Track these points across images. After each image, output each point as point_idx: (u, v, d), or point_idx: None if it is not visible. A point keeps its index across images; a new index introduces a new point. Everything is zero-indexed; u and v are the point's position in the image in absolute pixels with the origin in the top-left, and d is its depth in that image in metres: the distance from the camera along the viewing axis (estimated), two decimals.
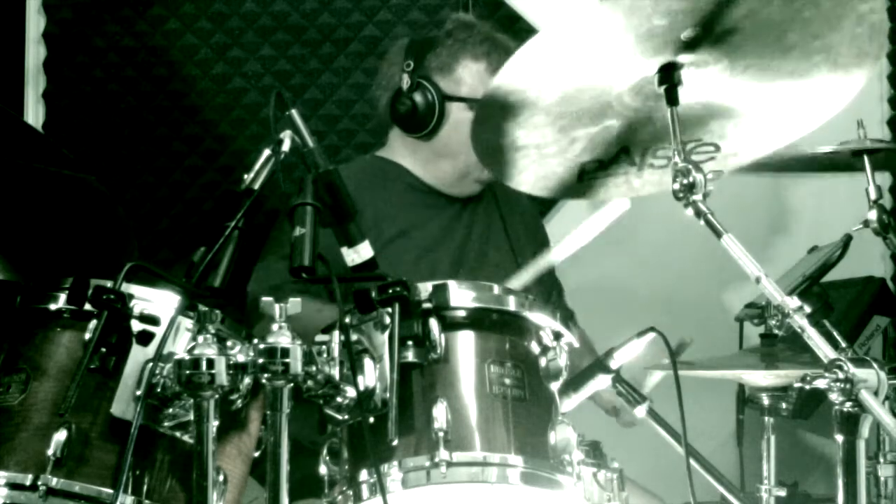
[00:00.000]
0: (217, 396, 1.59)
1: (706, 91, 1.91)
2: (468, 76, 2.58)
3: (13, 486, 1.61)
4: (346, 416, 1.72)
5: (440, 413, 1.65)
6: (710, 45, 1.83)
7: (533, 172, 2.04)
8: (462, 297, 1.74)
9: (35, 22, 3.23)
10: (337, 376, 1.66)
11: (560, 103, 1.90)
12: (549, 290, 2.81)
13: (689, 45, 1.82)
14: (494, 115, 1.93)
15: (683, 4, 1.74)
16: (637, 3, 1.73)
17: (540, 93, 1.88)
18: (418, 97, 2.58)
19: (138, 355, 1.66)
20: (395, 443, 1.60)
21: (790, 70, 1.88)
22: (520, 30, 3.33)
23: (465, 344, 1.73)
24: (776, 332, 2.41)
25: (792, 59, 1.86)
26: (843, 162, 2.52)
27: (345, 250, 1.72)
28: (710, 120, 1.98)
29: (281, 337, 1.59)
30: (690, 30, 1.78)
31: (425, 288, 1.71)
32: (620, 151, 2.01)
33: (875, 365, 1.64)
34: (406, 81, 2.60)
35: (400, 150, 2.70)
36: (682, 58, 1.84)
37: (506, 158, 2.01)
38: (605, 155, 2.01)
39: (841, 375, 1.62)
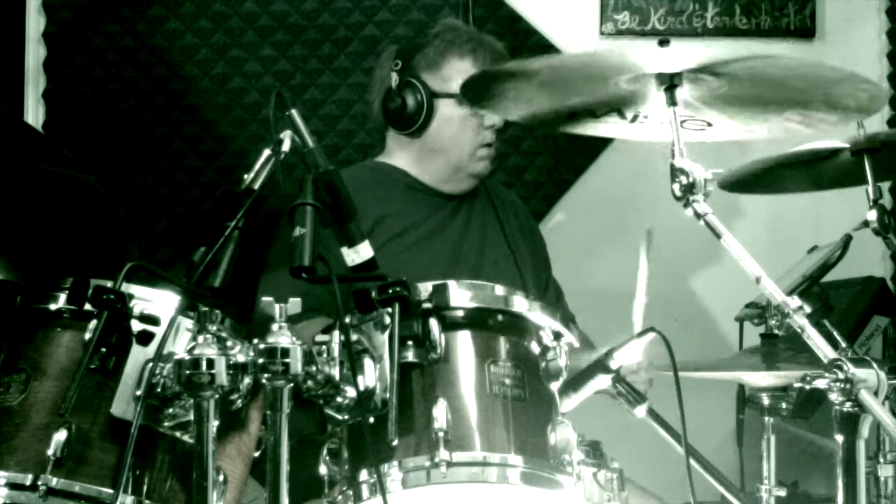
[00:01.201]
0: (217, 396, 1.59)
1: (704, 95, 1.92)
2: (455, 73, 2.62)
3: (13, 486, 1.61)
4: (346, 416, 1.72)
5: (440, 413, 1.65)
6: (710, 75, 1.85)
7: (522, 111, 2.08)
8: (462, 297, 1.74)
9: (35, 22, 3.22)
10: (337, 376, 1.66)
11: (554, 78, 1.92)
12: (547, 291, 2.82)
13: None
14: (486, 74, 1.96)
15: (680, 56, 1.78)
16: (635, 45, 1.77)
17: (535, 71, 1.90)
18: (408, 95, 2.63)
19: (138, 355, 1.66)
20: (395, 443, 1.60)
21: (788, 100, 1.90)
22: (520, 30, 3.34)
23: (465, 344, 1.73)
24: (776, 332, 2.41)
25: (791, 95, 1.89)
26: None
27: (345, 250, 1.72)
28: (705, 109, 1.99)
29: (281, 337, 1.59)
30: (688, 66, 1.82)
31: (425, 288, 1.71)
32: (612, 110, 2.02)
33: (875, 365, 1.64)
34: (395, 80, 2.66)
35: (395, 152, 2.74)
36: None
37: (494, 100, 2.06)
38: (597, 110, 2.02)
39: (841, 375, 1.62)
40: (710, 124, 2.01)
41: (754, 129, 2.04)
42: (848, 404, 1.63)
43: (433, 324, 1.69)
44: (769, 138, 2.08)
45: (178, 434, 1.70)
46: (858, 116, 1.95)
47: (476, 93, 2.08)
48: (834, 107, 1.91)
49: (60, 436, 1.62)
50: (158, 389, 1.64)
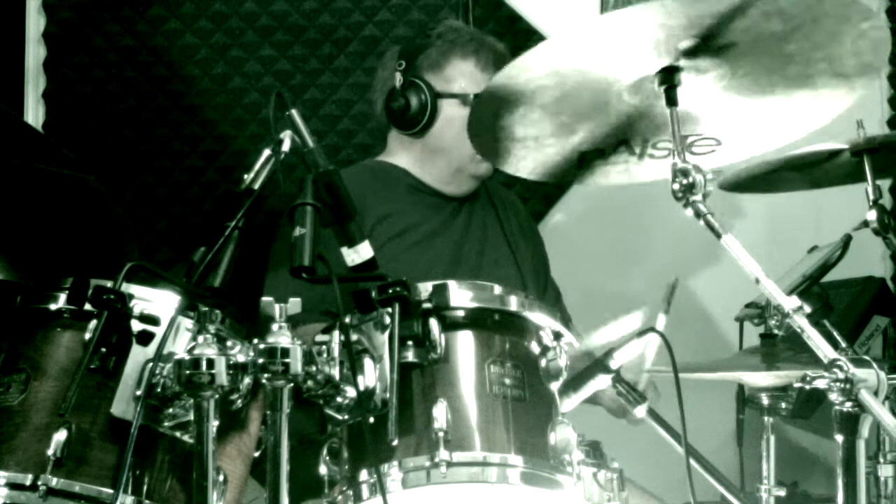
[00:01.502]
0: (217, 396, 1.59)
1: (706, 91, 1.91)
2: (458, 74, 2.64)
3: (13, 486, 1.62)
4: (346, 416, 1.72)
5: (440, 413, 1.65)
6: (709, 54, 1.83)
7: (531, 160, 2.05)
8: (462, 296, 1.74)
9: (35, 22, 3.23)
10: (337, 376, 1.66)
11: (558, 101, 1.90)
12: (546, 291, 2.82)
13: (689, 53, 1.82)
14: (491, 109, 1.94)
15: (681, 20, 1.75)
16: (636, 17, 1.74)
17: (538, 90, 1.88)
18: (411, 95, 2.63)
19: (138, 355, 1.66)
20: (395, 443, 1.60)
21: (791, 76, 1.88)
22: (520, 30, 3.34)
23: (465, 344, 1.73)
24: (776, 332, 2.41)
25: (793, 66, 1.86)
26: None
27: (345, 250, 1.72)
28: (709, 117, 1.97)
29: (281, 337, 1.59)
30: (689, 41, 1.79)
31: (425, 288, 1.71)
32: (620, 142, 2.01)
33: (875, 365, 1.64)
34: (399, 80, 2.66)
35: (398, 151, 2.74)
36: (682, 62, 1.84)
37: (502, 147, 2.02)
38: (605, 145, 2.01)
39: (841, 375, 1.62)
40: (719, 142, 2.00)
41: (763, 133, 2.02)
42: (848, 404, 1.63)
43: (433, 324, 1.69)
44: (778, 146, 2.06)
45: (178, 434, 1.70)
46: (863, 79, 1.90)
47: (485, 140, 2.05)
48: (837, 72, 1.87)
49: (60, 436, 1.62)
50: (158, 389, 1.64)
